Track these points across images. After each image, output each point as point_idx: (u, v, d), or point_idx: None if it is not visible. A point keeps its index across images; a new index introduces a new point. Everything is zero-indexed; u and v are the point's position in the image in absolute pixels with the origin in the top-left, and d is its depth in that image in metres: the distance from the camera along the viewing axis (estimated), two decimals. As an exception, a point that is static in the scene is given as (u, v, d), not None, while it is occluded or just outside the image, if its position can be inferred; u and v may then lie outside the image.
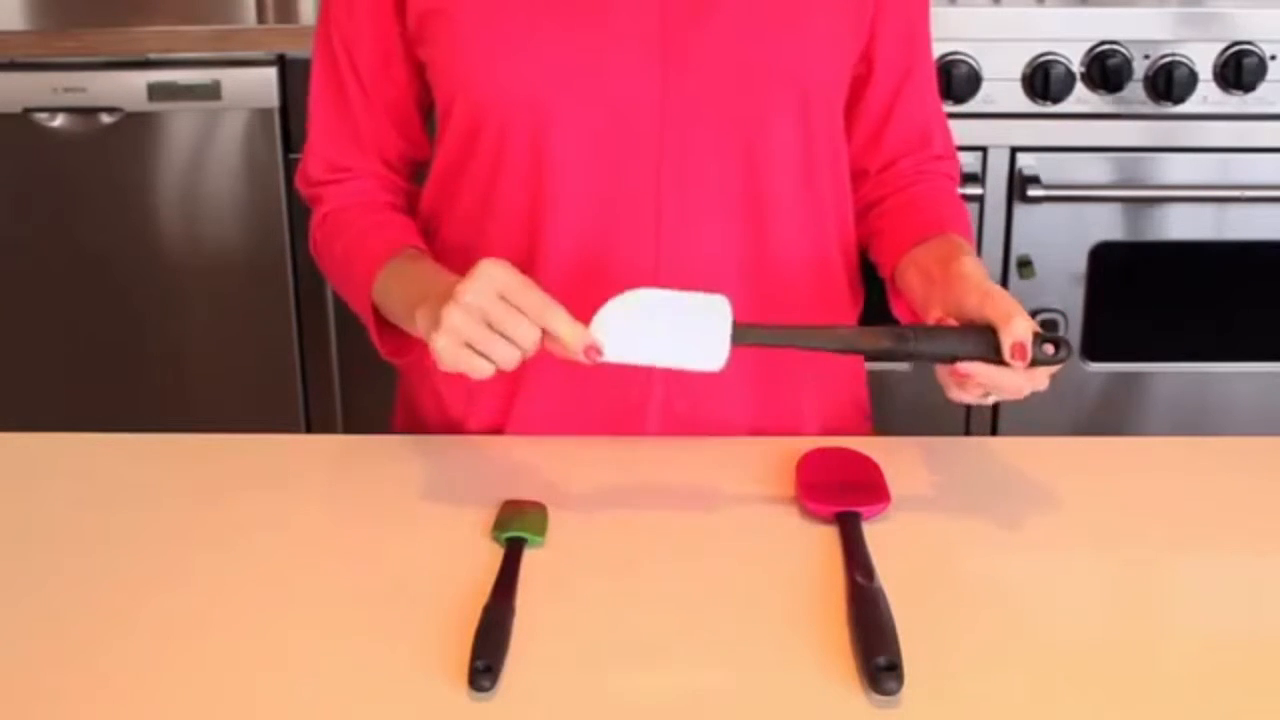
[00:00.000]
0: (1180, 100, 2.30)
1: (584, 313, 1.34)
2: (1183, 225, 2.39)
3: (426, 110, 1.44)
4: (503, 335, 1.18)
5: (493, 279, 1.18)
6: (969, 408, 2.38)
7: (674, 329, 1.20)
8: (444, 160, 1.41)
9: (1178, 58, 2.29)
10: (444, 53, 1.35)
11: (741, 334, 1.21)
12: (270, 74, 2.34)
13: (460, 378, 1.44)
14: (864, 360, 1.53)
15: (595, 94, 1.32)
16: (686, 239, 1.36)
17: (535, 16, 1.31)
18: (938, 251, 1.34)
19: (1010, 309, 1.19)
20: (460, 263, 1.39)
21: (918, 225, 1.40)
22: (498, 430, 1.44)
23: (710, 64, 1.32)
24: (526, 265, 1.37)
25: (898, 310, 1.39)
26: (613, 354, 1.20)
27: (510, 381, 1.42)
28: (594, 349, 1.18)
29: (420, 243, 1.40)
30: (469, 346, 1.18)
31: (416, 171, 1.47)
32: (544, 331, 1.19)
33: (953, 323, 1.22)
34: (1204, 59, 2.29)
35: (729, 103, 1.33)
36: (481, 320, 1.18)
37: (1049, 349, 1.18)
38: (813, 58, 1.35)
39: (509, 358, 1.19)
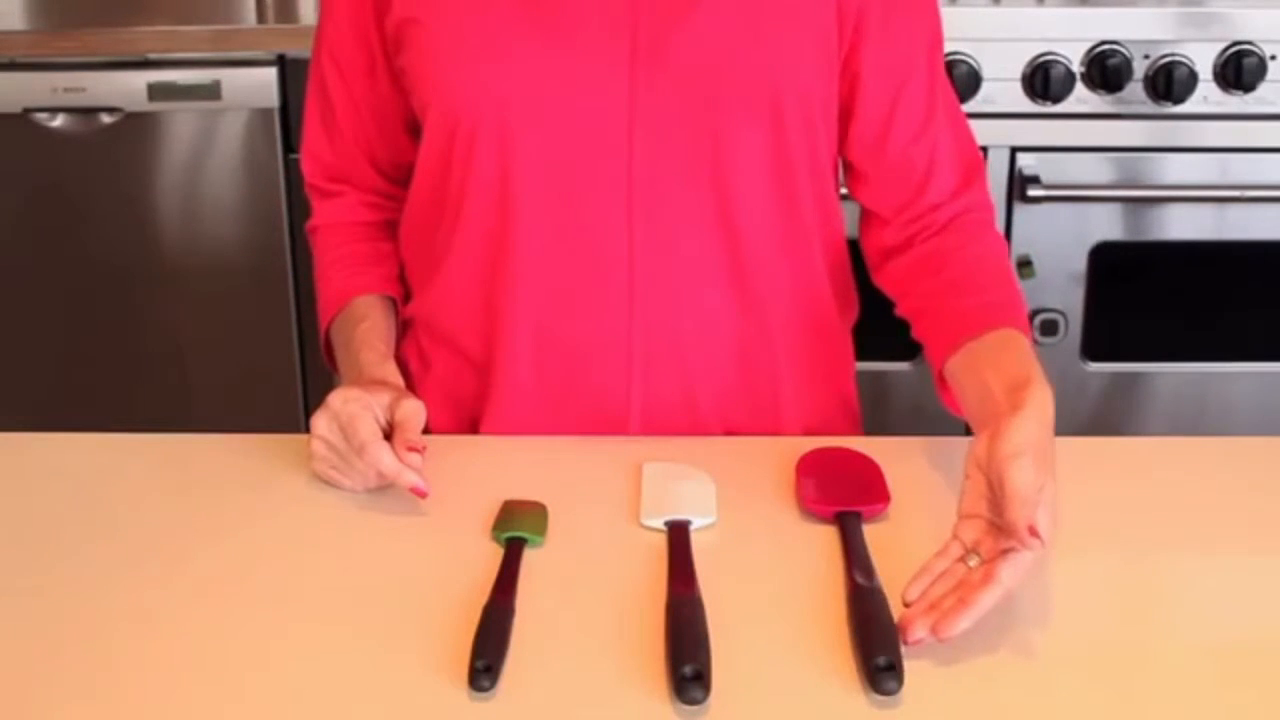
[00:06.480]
0: (1180, 100, 2.30)
1: (561, 331, 1.36)
2: (1183, 225, 2.39)
3: (412, 116, 1.44)
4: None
5: (335, 414, 1.28)
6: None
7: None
8: (420, 169, 1.42)
9: (1178, 58, 2.29)
10: (418, 60, 1.37)
11: None
12: (270, 74, 2.34)
13: (434, 382, 1.45)
14: (854, 359, 1.53)
15: (564, 104, 1.33)
16: (662, 249, 1.36)
17: (507, 26, 1.32)
18: (999, 371, 1.23)
19: (1017, 517, 1.10)
20: (433, 280, 1.43)
21: (964, 316, 1.32)
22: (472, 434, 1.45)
23: (679, 76, 1.32)
24: (493, 277, 1.38)
25: (944, 399, 1.33)
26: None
27: (486, 386, 1.43)
28: (418, 490, 1.25)
29: (373, 282, 1.47)
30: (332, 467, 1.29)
31: (409, 175, 1.48)
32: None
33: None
34: (1204, 59, 2.29)
35: (698, 114, 1.33)
36: (332, 450, 1.28)
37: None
38: (783, 70, 1.34)
39: (360, 484, 1.29)
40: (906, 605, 1.09)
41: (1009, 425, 1.14)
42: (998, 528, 1.12)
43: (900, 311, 1.42)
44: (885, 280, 1.44)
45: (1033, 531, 1.08)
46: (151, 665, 1.08)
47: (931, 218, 1.41)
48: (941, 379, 1.33)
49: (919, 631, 1.06)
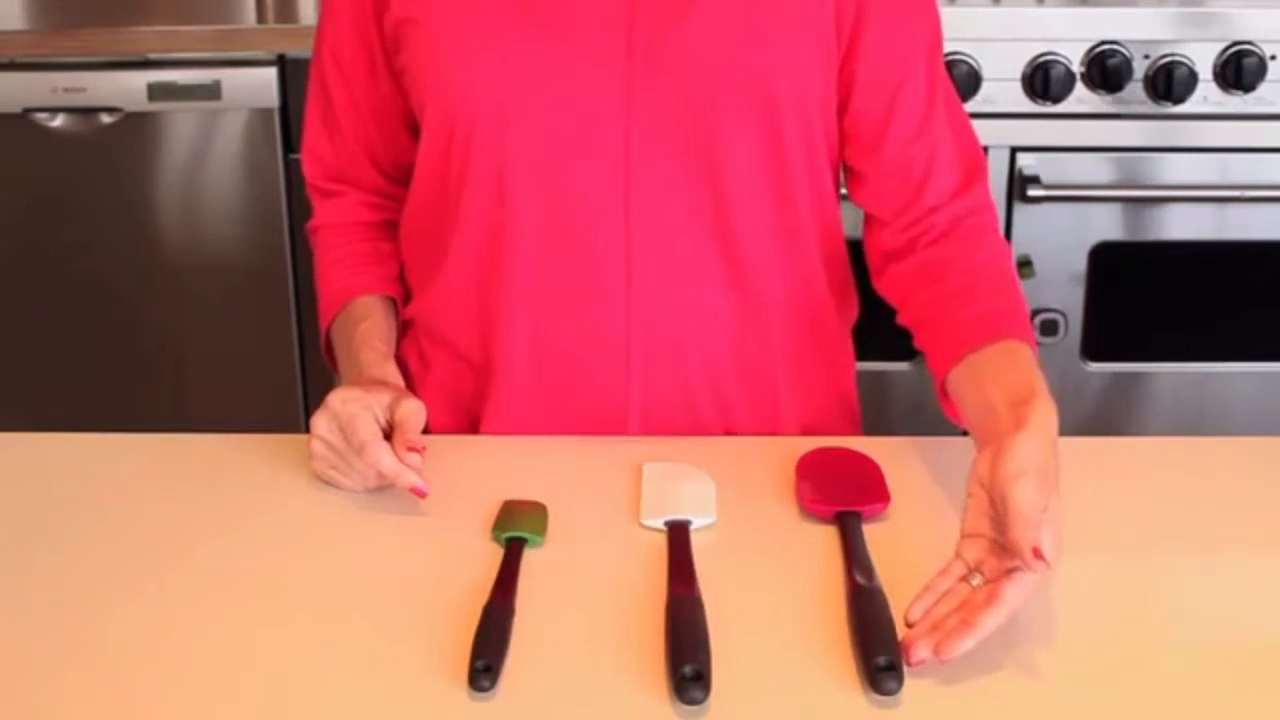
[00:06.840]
0: (1180, 100, 2.30)
1: (559, 330, 1.35)
2: (1183, 225, 2.39)
3: (413, 116, 1.44)
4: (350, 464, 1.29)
5: (335, 414, 1.28)
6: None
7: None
8: (419, 169, 1.42)
9: (1178, 58, 2.29)
10: (416, 60, 1.37)
11: None
12: (270, 74, 2.35)
13: (434, 382, 1.45)
14: (854, 358, 1.53)
15: (560, 104, 1.33)
16: (659, 248, 1.36)
17: (503, 26, 1.32)
18: (1001, 385, 1.22)
19: (1020, 538, 1.08)
20: (432, 280, 1.43)
21: (965, 327, 1.31)
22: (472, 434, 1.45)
23: (675, 76, 1.32)
24: (491, 277, 1.38)
25: (947, 410, 1.33)
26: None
27: (485, 386, 1.43)
28: (418, 490, 1.25)
29: (373, 282, 1.47)
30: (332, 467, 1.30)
31: (410, 175, 1.48)
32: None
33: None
34: (1204, 59, 2.29)
35: (694, 114, 1.33)
36: (332, 450, 1.29)
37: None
38: (780, 70, 1.34)
39: (360, 484, 1.29)
40: (909, 625, 1.08)
41: (1012, 444, 1.13)
42: (1001, 547, 1.11)
43: (901, 321, 1.42)
44: (886, 288, 1.44)
45: (1037, 554, 1.08)
46: (151, 665, 1.08)
47: (931, 221, 1.40)
48: (944, 391, 1.32)
49: (922, 652, 1.05)
